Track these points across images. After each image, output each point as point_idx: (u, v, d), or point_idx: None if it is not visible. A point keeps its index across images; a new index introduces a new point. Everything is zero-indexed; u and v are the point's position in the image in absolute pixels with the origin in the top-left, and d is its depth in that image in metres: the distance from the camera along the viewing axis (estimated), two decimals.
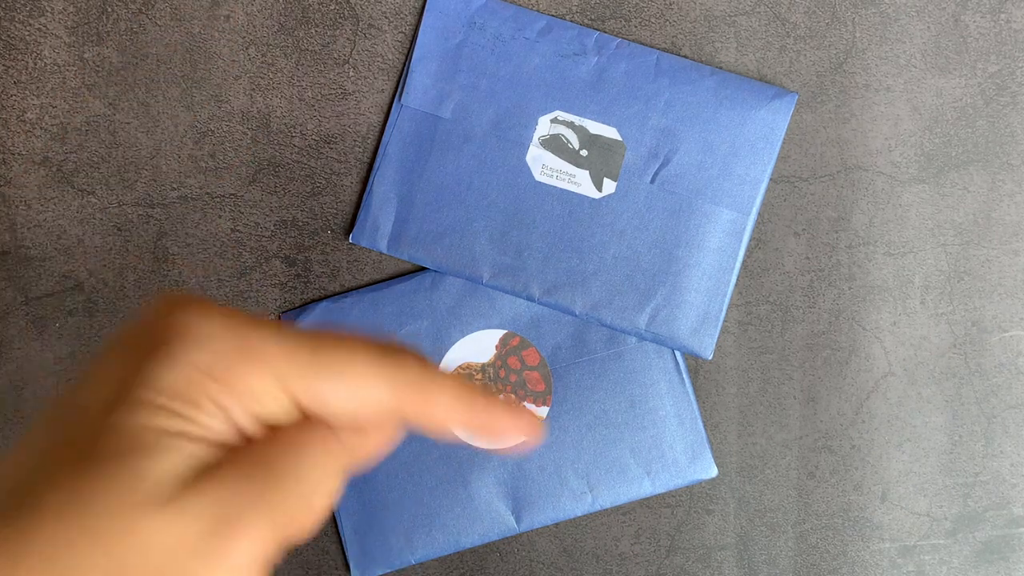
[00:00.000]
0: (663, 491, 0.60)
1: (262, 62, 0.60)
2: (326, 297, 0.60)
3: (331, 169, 0.60)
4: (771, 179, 0.60)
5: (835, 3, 0.60)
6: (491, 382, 0.60)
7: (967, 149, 0.61)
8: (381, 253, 0.60)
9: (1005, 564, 0.62)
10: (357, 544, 0.60)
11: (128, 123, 0.60)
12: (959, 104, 0.60)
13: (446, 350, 0.60)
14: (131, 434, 0.21)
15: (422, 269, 0.60)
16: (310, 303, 0.60)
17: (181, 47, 0.59)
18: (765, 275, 0.61)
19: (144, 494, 0.20)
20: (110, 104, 0.60)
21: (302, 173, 0.60)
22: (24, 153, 0.60)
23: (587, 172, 0.58)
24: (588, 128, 0.58)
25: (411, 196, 0.59)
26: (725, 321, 0.61)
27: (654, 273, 0.58)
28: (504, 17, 0.59)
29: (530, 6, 0.59)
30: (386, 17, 0.60)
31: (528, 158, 0.58)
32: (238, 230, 0.60)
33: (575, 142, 0.58)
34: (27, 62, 0.59)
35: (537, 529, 0.61)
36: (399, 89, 0.59)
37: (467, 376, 0.60)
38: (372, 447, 0.25)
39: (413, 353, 0.25)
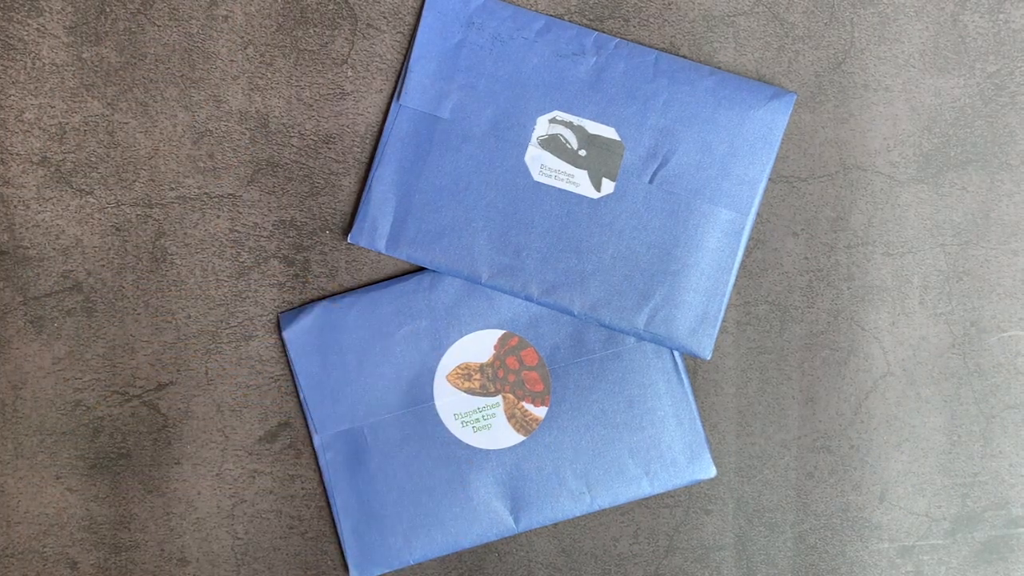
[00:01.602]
0: (662, 491, 0.60)
1: (260, 62, 0.59)
2: (324, 297, 0.60)
3: (329, 169, 0.60)
4: (770, 179, 0.60)
5: (833, 3, 0.60)
6: (489, 382, 0.60)
7: (965, 149, 0.60)
8: (379, 253, 0.60)
9: (1004, 564, 0.62)
10: (356, 544, 0.60)
11: (126, 123, 0.59)
12: (958, 104, 0.60)
13: (444, 350, 0.59)
14: None
15: (421, 269, 0.60)
16: (308, 303, 0.60)
17: (179, 47, 0.59)
18: (764, 275, 0.61)
19: None
20: (108, 104, 0.59)
21: (300, 173, 0.60)
22: (22, 153, 0.59)
23: (586, 172, 0.58)
24: (587, 128, 0.58)
25: (410, 196, 0.59)
26: (724, 321, 0.61)
27: (652, 273, 0.58)
28: (503, 17, 0.58)
29: (529, 6, 0.59)
30: (384, 17, 0.59)
31: (527, 158, 0.58)
32: (236, 230, 0.60)
33: (574, 142, 0.58)
34: (25, 62, 0.59)
35: (535, 529, 0.61)
36: (397, 89, 0.59)
37: (466, 376, 0.60)
38: None
39: None
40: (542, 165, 0.58)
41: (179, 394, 0.60)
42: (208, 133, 0.59)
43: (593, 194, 0.58)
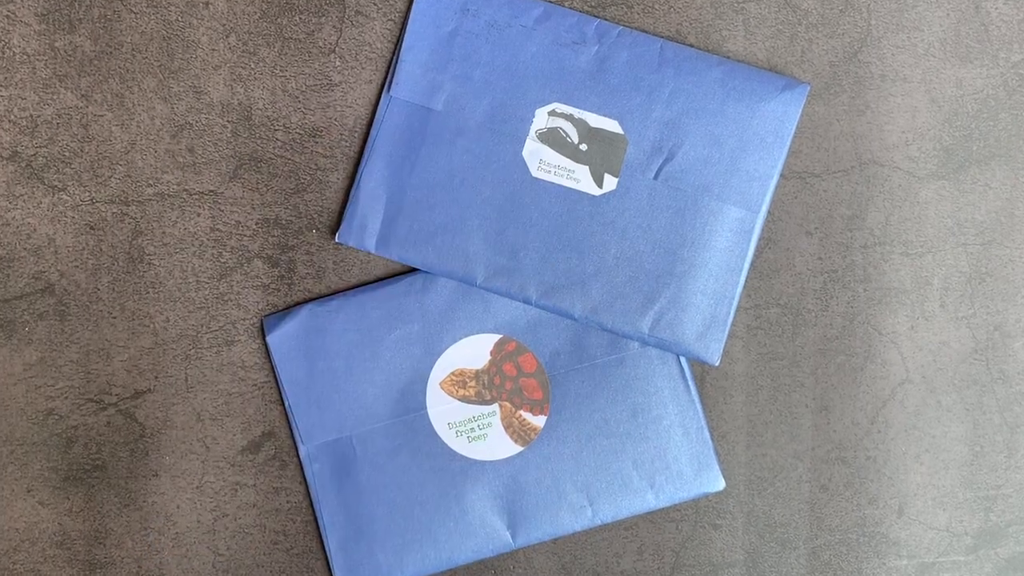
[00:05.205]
0: (667, 505, 0.59)
1: (243, 51, 0.59)
2: (311, 300, 0.60)
3: (316, 164, 0.59)
4: (781, 175, 0.59)
5: None
6: (485, 389, 0.59)
7: (989, 143, 0.60)
8: (369, 253, 0.59)
9: None
10: (344, 561, 0.59)
11: (102, 116, 0.59)
12: (980, 96, 0.59)
13: (438, 356, 0.59)
14: None
15: (413, 270, 0.59)
16: (294, 306, 0.60)
17: (158, 35, 0.58)
18: (775, 276, 0.60)
19: None
20: (83, 96, 0.58)
21: (286, 168, 0.59)
22: None
23: (587, 168, 0.57)
24: (588, 121, 0.57)
25: (401, 193, 0.58)
26: (733, 325, 0.60)
27: (658, 274, 0.57)
28: (499, 3, 0.58)
29: None
30: (374, 4, 0.59)
31: (525, 153, 0.57)
32: (218, 229, 0.59)
33: (574, 136, 0.57)
34: None
35: (534, 545, 0.60)
36: (388, 80, 0.58)
37: (460, 383, 0.58)
38: None
39: None
40: (541, 160, 0.57)
41: (157, 402, 0.59)
42: (188, 126, 0.59)
43: (595, 191, 0.57)
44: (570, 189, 0.57)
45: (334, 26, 0.58)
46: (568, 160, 0.57)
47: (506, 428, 0.59)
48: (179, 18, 0.58)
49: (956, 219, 0.60)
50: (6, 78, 0.58)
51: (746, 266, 0.57)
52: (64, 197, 0.58)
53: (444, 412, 0.59)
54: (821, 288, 0.60)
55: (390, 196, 0.58)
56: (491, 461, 0.59)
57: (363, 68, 0.59)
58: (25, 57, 0.58)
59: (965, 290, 0.60)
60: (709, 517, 0.61)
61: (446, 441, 0.59)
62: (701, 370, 0.60)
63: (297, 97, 0.59)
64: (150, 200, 0.59)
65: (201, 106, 0.58)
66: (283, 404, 0.59)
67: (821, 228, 0.60)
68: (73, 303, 0.59)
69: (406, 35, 0.58)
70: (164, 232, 0.59)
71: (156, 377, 0.59)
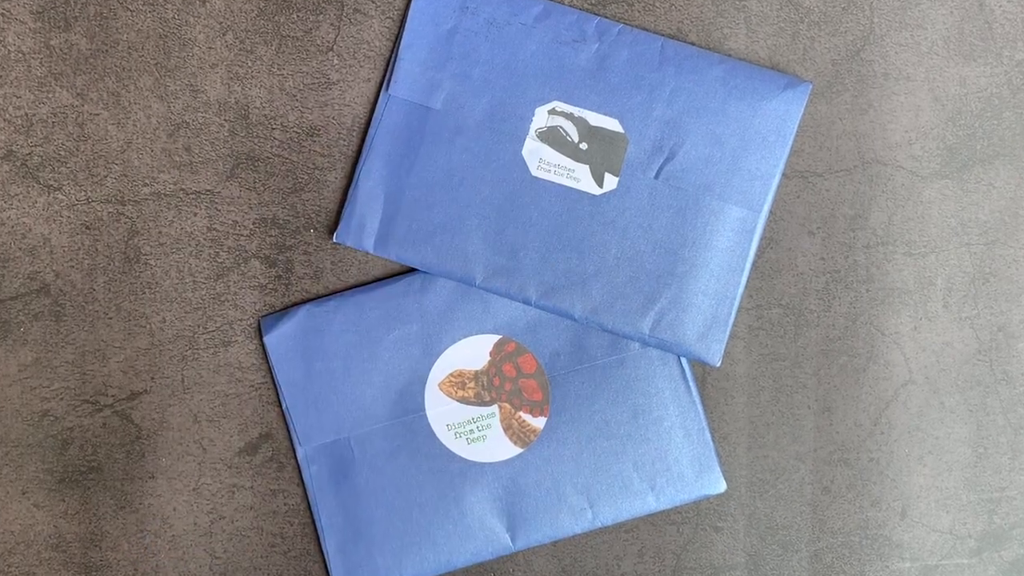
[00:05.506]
0: (668, 507, 0.59)
1: (240, 49, 0.58)
2: (308, 300, 0.59)
3: (314, 163, 0.59)
4: (783, 174, 0.59)
5: None
6: (484, 390, 0.58)
7: (993, 142, 0.59)
8: (367, 253, 0.59)
9: None
10: (342, 563, 0.59)
11: (97, 114, 0.58)
12: (984, 94, 0.59)
13: (436, 357, 0.58)
14: None
15: (411, 270, 0.59)
16: (291, 306, 0.59)
17: (154, 33, 0.58)
18: (777, 277, 0.59)
19: None
20: (78, 94, 0.58)
21: (283, 168, 0.59)
22: None
23: (587, 167, 0.57)
24: (588, 120, 0.57)
25: (399, 192, 0.58)
26: (734, 326, 0.59)
27: (658, 275, 0.57)
28: (498, 1, 0.57)
29: None
30: (373, 1, 0.58)
31: (524, 152, 0.57)
32: (215, 228, 0.59)
33: (574, 135, 0.57)
34: None
35: (534, 548, 0.60)
36: (386, 78, 0.58)
37: (459, 384, 0.58)
38: None
39: None
40: (540, 159, 0.57)
41: (153, 403, 0.59)
42: (184, 125, 0.58)
43: (595, 190, 0.57)
44: (570, 188, 0.57)
45: (332, 24, 0.58)
46: (568, 159, 0.57)
47: (505, 430, 0.58)
48: (176, 16, 0.58)
49: (960, 219, 0.59)
50: (1, 76, 0.57)
51: (748, 266, 0.57)
52: (59, 196, 0.58)
53: (443, 413, 0.58)
54: (823, 288, 0.59)
55: (388, 195, 0.57)
56: (490, 463, 0.58)
57: (361, 66, 0.58)
58: (20, 55, 0.57)
59: (969, 290, 0.60)
60: (710, 519, 0.60)
61: (445, 443, 0.58)
62: (702, 371, 0.60)
63: (295, 96, 0.58)
64: (146, 199, 0.58)
65: (198, 105, 0.58)
66: (280, 405, 0.59)
67: (823, 228, 0.59)
68: (69, 303, 0.58)
69: (405, 33, 0.57)
70: (160, 232, 0.58)
71: (152, 378, 0.59)
